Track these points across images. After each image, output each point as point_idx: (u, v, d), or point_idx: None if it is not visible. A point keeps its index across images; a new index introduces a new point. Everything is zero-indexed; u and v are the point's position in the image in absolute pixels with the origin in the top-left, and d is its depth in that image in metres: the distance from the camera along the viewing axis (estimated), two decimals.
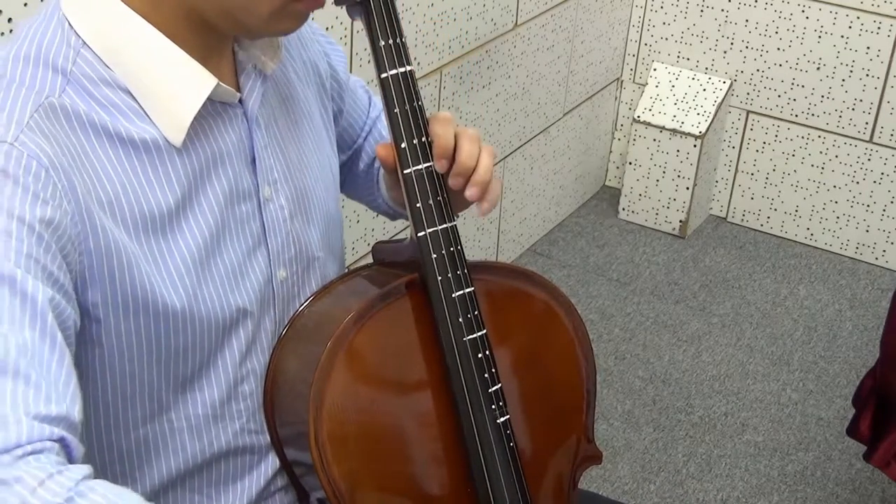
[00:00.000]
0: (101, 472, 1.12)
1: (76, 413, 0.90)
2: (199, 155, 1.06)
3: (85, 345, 1.02)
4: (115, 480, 1.12)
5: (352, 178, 1.42)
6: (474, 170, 1.13)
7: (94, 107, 1.00)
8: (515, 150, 2.99)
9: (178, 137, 1.03)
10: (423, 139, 1.11)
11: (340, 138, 1.36)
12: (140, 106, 1.02)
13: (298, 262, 1.17)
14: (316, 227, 1.20)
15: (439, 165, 1.12)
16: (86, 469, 0.86)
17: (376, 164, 1.37)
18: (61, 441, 0.87)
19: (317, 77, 1.25)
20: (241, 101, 1.10)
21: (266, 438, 1.17)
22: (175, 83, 1.03)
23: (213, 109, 1.07)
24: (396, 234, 2.49)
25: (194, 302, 1.06)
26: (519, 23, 2.81)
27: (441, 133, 1.12)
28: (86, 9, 1.02)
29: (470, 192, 1.14)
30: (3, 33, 1.54)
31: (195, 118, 1.04)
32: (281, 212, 1.14)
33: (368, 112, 1.40)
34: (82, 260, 0.98)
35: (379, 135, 1.40)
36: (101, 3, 1.01)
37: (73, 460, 0.89)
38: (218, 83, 1.05)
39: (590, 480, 2.42)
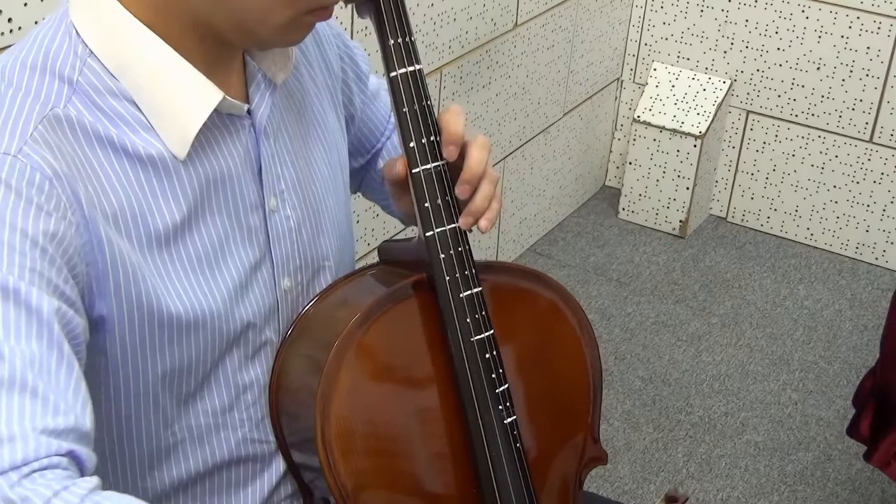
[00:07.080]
0: (102, 480, 1.11)
1: (87, 422, 0.89)
2: (204, 168, 1.05)
3: (92, 358, 1.01)
4: (115, 489, 1.11)
5: (368, 182, 1.41)
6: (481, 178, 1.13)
7: (99, 118, 0.99)
8: (515, 150, 2.98)
9: (182, 151, 1.02)
10: (432, 138, 1.11)
11: (359, 142, 1.35)
12: (145, 117, 1.01)
13: (304, 272, 1.16)
14: (326, 237, 1.19)
15: (447, 153, 1.11)
16: (93, 481, 0.86)
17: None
18: (70, 454, 0.87)
19: (332, 80, 1.24)
20: (249, 111, 1.09)
21: (270, 447, 1.17)
22: (180, 96, 1.01)
23: (219, 122, 1.06)
24: (396, 234, 2.49)
25: (199, 313, 1.05)
26: (519, 23, 2.80)
27: (451, 120, 1.11)
28: (94, 18, 1.00)
29: (461, 189, 1.13)
30: (2, 33, 1.54)
31: (200, 131, 1.03)
32: (286, 222, 1.13)
33: (390, 117, 1.38)
34: (89, 271, 0.97)
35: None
36: (108, 12, 1.00)
37: (84, 472, 0.88)
38: (224, 97, 1.03)
39: (590, 480, 2.42)
